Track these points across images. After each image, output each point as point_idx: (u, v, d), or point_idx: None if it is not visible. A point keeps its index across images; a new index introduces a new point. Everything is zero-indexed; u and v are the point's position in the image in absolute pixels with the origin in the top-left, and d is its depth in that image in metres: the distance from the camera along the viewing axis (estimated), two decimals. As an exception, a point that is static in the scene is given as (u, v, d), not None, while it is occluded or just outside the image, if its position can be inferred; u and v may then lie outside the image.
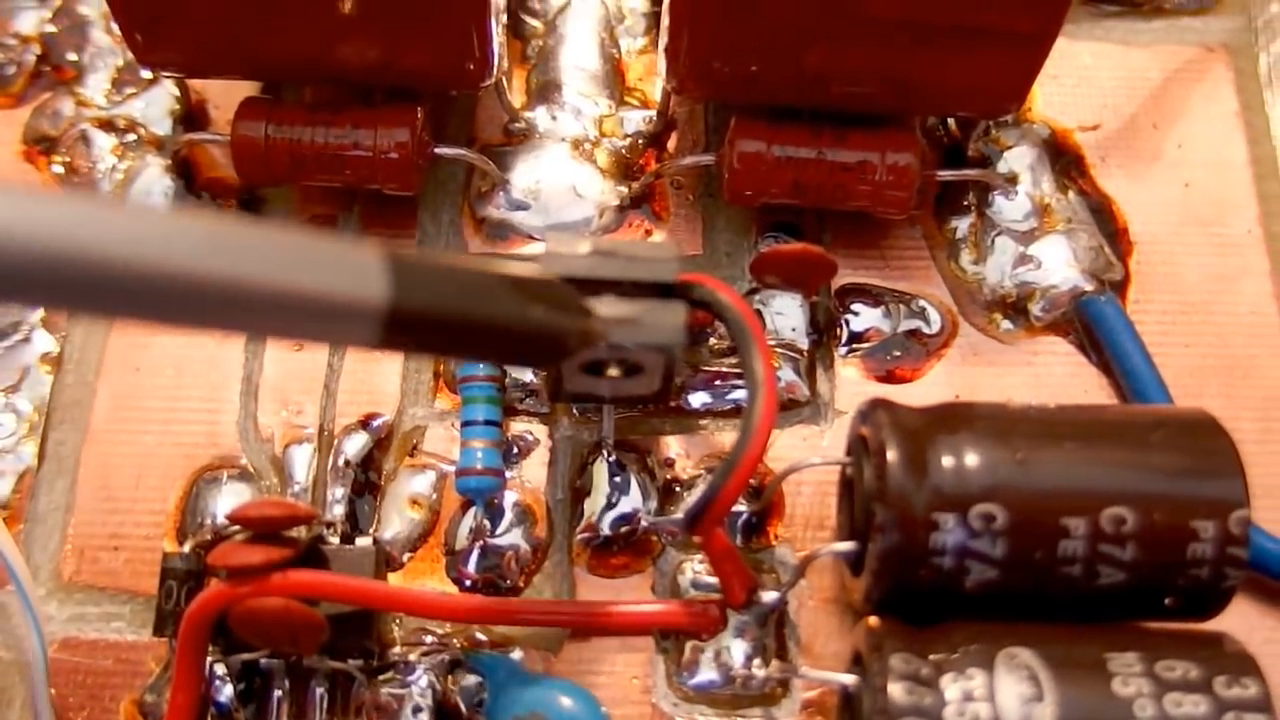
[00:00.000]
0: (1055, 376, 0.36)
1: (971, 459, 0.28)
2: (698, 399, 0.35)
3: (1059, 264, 0.36)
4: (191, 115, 0.39)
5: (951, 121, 0.38)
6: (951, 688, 0.26)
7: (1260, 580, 0.33)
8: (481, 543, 0.33)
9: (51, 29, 0.40)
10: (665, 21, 0.33)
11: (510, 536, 0.33)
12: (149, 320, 0.20)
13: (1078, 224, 0.37)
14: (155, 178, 0.38)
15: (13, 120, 0.39)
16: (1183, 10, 0.41)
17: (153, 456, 0.34)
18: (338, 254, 0.22)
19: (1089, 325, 0.36)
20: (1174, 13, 0.41)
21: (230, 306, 0.20)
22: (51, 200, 0.18)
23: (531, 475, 0.34)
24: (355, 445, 0.34)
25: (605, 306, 0.28)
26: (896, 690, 0.26)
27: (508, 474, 0.34)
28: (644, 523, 0.33)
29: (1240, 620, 0.30)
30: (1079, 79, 0.40)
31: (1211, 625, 0.28)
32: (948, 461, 0.28)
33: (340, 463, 0.34)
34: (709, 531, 0.30)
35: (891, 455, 0.28)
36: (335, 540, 0.32)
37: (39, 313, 0.36)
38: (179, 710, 0.29)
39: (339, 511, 0.33)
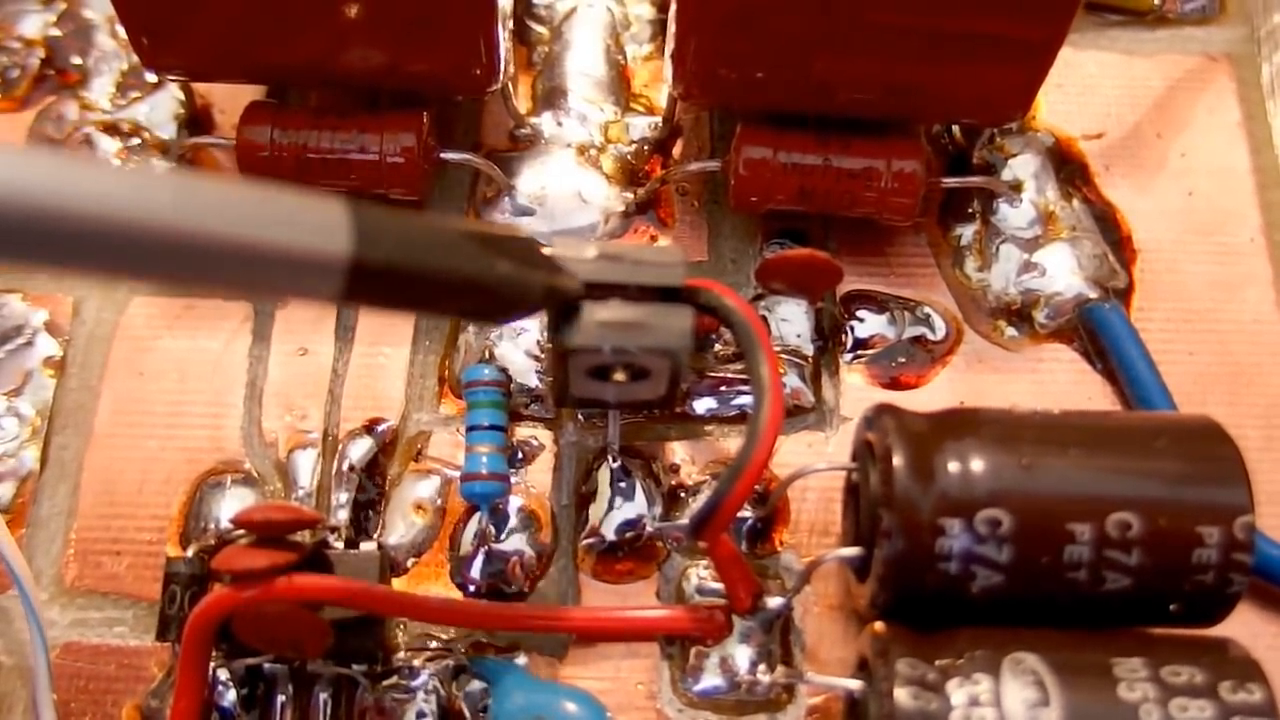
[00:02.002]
0: (1060, 383, 0.36)
1: (977, 464, 0.28)
2: (703, 404, 0.35)
3: (1063, 271, 0.36)
4: (196, 119, 0.39)
5: (956, 129, 0.39)
6: (957, 693, 0.26)
7: (1265, 587, 0.33)
8: (486, 548, 0.33)
9: (56, 33, 0.40)
10: (672, 28, 0.33)
11: (515, 542, 0.33)
12: (118, 272, 0.20)
13: (1082, 232, 0.37)
14: (160, 182, 0.38)
15: (17, 124, 0.39)
16: (1186, 20, 0.41)
17: (156, 461, 0.34)
18: (301, 207, 0.22)
19: (1093, 332, 0.36)
20: (1177, 23, 0.41)
21: (196, 258, 0.20)
22: (25, 155, 0.18)
23: (536, 480, 0.34)
24: (360, 450, 0.34)
25: (611, 311, 0.29)
26: (903, 695, 0.26)
27: (513, 479, 0.34)
28: (649, 528, 0.34)
29: (1244, 627, 0.30)
30: (1083, 88, 0.40)
31: (1217, 631, 0.28)
32: (954, 467, 0.28)
33: (345, 468, 0.34)
34: (714, 537, 0.30)
35: (898, 460, 0.28)
36: (340, 545, 0.33)
37: (43, 316, 0.36)
38: (182, 716, 0.29)
39: (343, 516, 0.34)
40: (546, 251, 0.28)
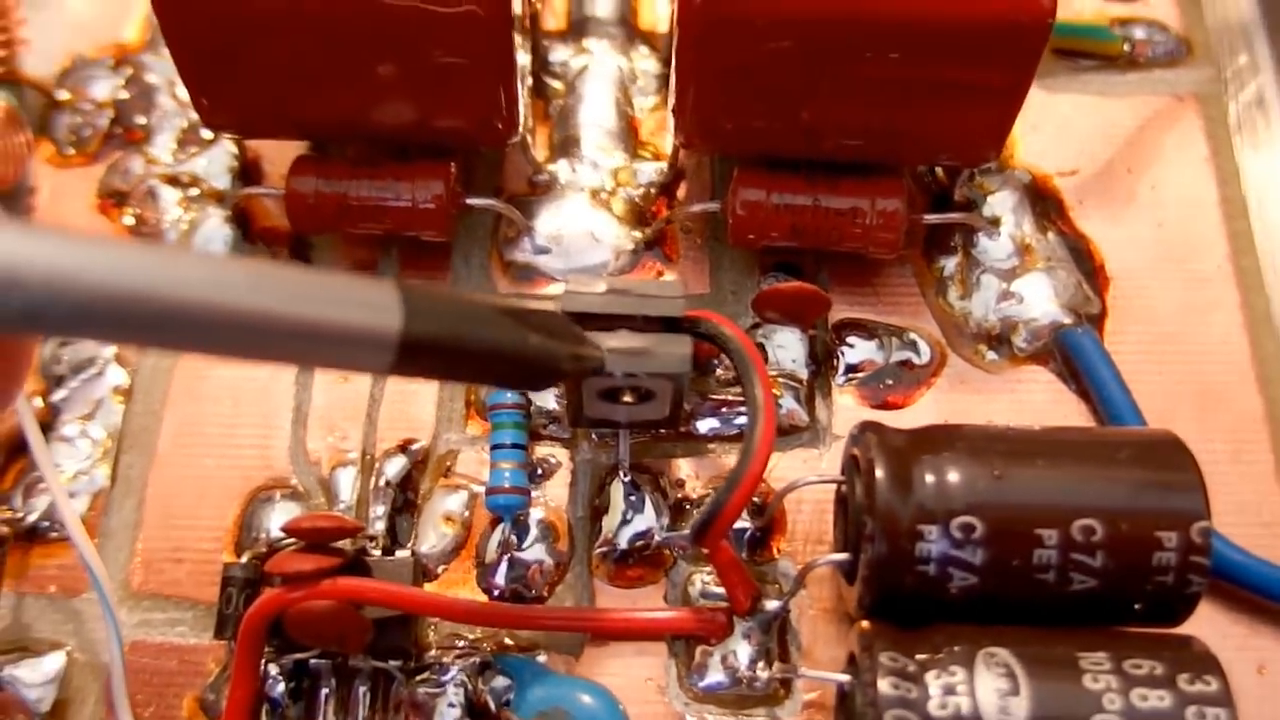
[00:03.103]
0: (1037, 403, 0.37)
1: (952, 476, 0.29)
2: (706, 424, 0.36)
3: (1040, 299, 0.37)
4: (247, 171, 0.40)
5: (939, 169, 0.39)
6: (935, 684, 0.27)
7: (1231, 590, 0.34)
8: (509, 556, 0.34)
9: (124, 95, 0.42)
10: (673, 83, 0.34)
11: (535, 550, 0.34)
12: (194, 349, 0.21)
13: (1057, 262, 0.38)
14: (216, 227, 0.39)
15: (89, 177, 0.40)
16: (1155, 63, 0.42)
17: (212, 478, 0.35)
18: (357, 287, 0.23)
19: (1068, 355, 0.37)
20: (1147, 66, 0.42)
21: (265, 337, 0.21)
22: (111, 246, 0.19)
23: (554, 494, 0.35)
24: (395, 467, 0.35)
25: (620, 339, 0.30)
26: (884, 685, 0.27)
27: (533, 493, 0.35)
28: (657, 538, 0.34)
29: (1212, 628, 0.32)
30: (1058, 128, 0.41)
31: (1185, 632, 0.29)
32: (930, 478, 0.29)
33: (381, 483, 0.35)
34: (714, 543, 0.31)
35: (879, 473, 0.29)
36: (377, 553, 0.34)
37: (112, 349, 0.37)
38: (236, 705, 0.31)
39: (380, 527, 0.34)
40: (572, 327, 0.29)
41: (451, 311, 0.25)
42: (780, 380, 0.37)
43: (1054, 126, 0.41)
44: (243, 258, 0.19)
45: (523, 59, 0.37)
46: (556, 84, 0.42)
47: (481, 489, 0.35)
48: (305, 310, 0.21)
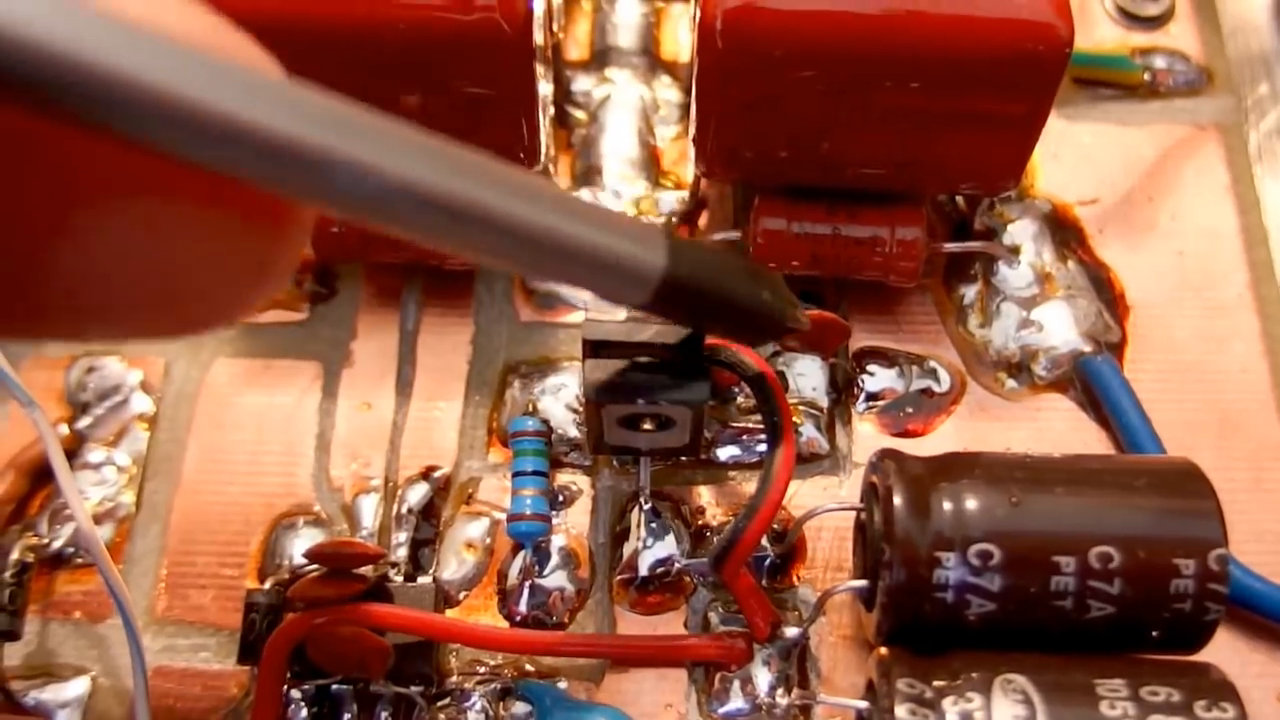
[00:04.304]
0: (1057, 431, 0.37)
1: (970, 503, 0.29)
2: (726, 452, 0.36)
3: (1060, 327, 0.37)
4: None
5: (959, 198, 0.39)
6: (952, 710, 0.27)
7: (1250, 618, 0.34)
8: (530, 582, 0.34)
9: None
10: (694, 113, 0.34)
11: (556, 577, 0.34)
12: (486, 255, 0.21)
13: (1077, 290, 0.38)
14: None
15: None
16: (1176, 93, 0.42)
17: (236, 505, 0.36)
18: (633, 225, 0.24)
19: (1088, 383, 0.37)
20: (1168, 95, 0.42)
21: (549, 255, 0.22)
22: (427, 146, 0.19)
23: (576, 522, 0.35)
24: (417, 495, 0.36)
25: (641, 369, 0.31)
26: (902, 711, 0.27)
27: (554, 520, 0.35)
28: (678, 565, 0.34)
29: (1231, 655, 0.32)
30: (1079, 157, 0.41)
31: (1203, 659, 0.29)
32: (948, 505, 0.29)
33: (404, 510, 0.35)
34: (734, 571, 0.32)
35: (897, 500, 0.29)
36: (399, 579, 0.34)
37: (138, 376, 0.37)
38: None
39: (402, 554, 0.35)
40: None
41: (706, 261, 0.26)
42: (800, 408, 0.37)
43: (1074, 155, 0.41)
44: (521, 172, 0.20)
45: (545, 89, 0.36)
46: (579, 114, 0.42)
47: (503, 516, 0.35)
48: (592, 234, 0.22)
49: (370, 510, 0.36)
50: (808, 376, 0.37)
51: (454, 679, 0.33)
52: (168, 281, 0.18)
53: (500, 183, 0.20)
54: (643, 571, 0.34)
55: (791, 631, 0.33)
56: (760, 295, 0.28)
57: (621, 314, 0.31)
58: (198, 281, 0.18)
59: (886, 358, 0.38)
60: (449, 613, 0.34)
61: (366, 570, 0.32)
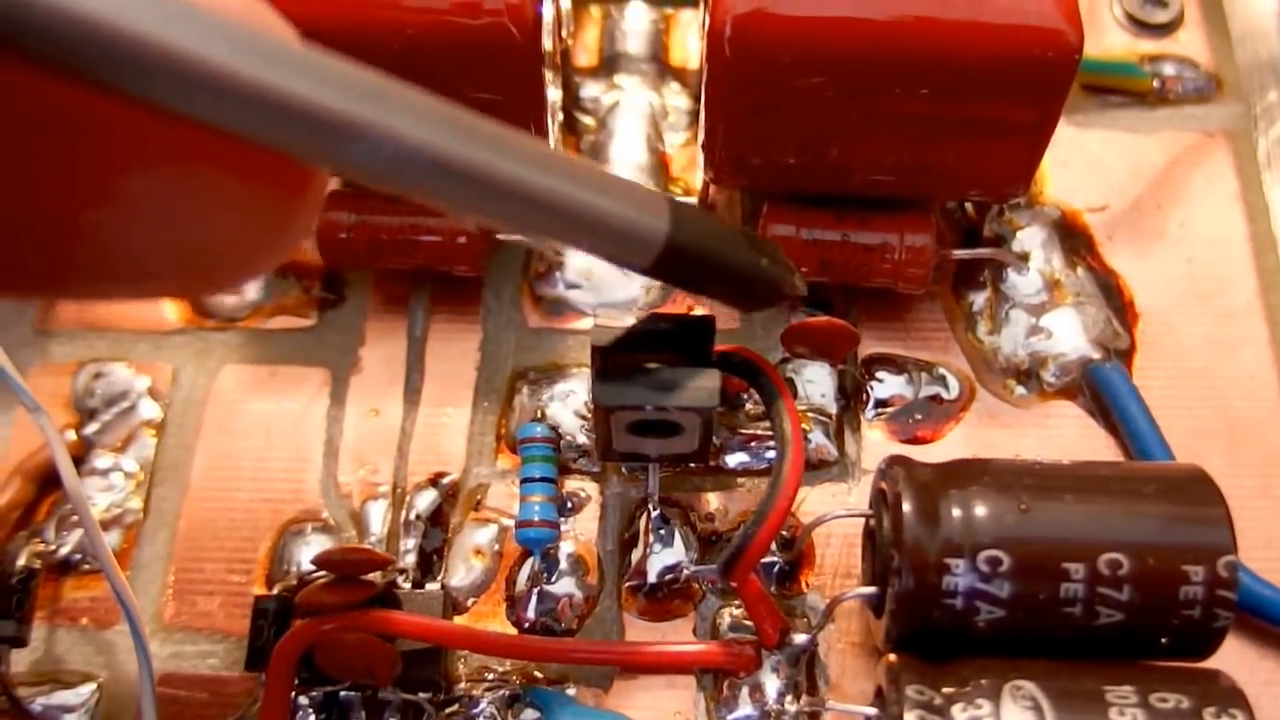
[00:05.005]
0: (1065, 438, 0.37)
1: (979, 510, 0.29)
2: (735, 459, 0.36)
3: (1069, 334, 0.38)
4: None
5: (969, 205, 0.40)
6: (961, 716, 0.27)
7: (1260, 625, 0.34)
8: (539, 589, 0.34)
9: None
10: (703, 119, 0.34)
11: (565, 584, 0.34)
12: (502, 215, 0.21)
13: (1086, 298, 0.38)
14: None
15: None
16: (1185, 100, 0.42)
17: (244, 511, 0.36)
18: (637, 191, 0.25)
19: (1097, 391, 0.37)
20: (1177, 102, 0.42)
21: (558, 218, 0.22)
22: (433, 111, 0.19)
23: (584, 528, 0.35)
24: (425, 501, 0.36)
25: (649, 375, 0.31)
26: (911, 718, 0.27)
27: (563, 527, 0.35)
28: (686, 571, 0.34)
29: (1240, 662, 0.32)
30: (1088, 164, 0.41)
31: (1212, 666, 0.29)
32: (957, 512, 0.29)
33: (412, 517, 0.35)
34: (743, 578, 0.32)
35: (907, 507, 0.29)
36: (407, 586, 0.34)
37: (146, 382, 0.37)
38: None
39: (411, 560, 0.35)
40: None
41: (707, 228, 0.27)
42: (809, 415, 0.37)
43: (1083, 162, 0.41)
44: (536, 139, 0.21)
45: (554, 95, 0.37)
46: (588, 120, 0.42)
47: (511, 522, 0.35)
48: (595, 200, 0.23)
49: (378, 517, 0.36)
50: (816, 383, 0.37)
51: (462, 685, 0.33)
52: (196, 243, 0.19)
53: (512, 148, 0.20)
54: (651, 578, 0.34)
55: (800, 638, 0.33)
56: (759, 261, 0.29)
57: (630, 319, 0.31)
58: (223, 243, 0.19)
59: (895, 364, 0.38)
60: (457, 619, 0.34)
61: (375, 577, 0.33)
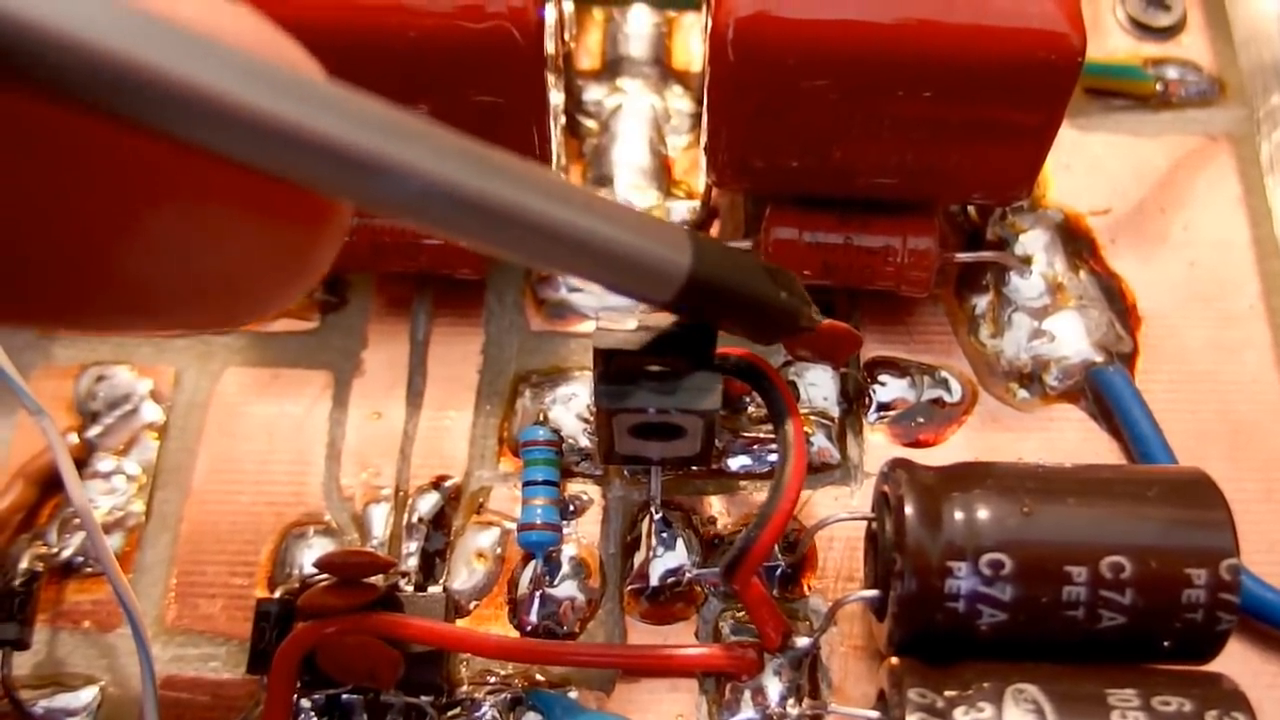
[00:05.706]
0: (1068, 441, 0.37)
1: (982, 513, 0.29)
2: (737, 462, 0.36)
3: (1071, 338, 0.37)
4: None
5: (971, 208, 0.40)
6: None
7: (1262, 629, 0.34)
8: (541, 592, 0.34)
9: None
10: (705, 122, 0.34)
11: (567, 587, 0.34)
12: (525, 251, 0.21)
13: (1089, 301, 0.38)
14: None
15: None
16: (1188, 103, 0.42)
17: (246, 514, 0.35)
18: (658, 226, 0.25)
19: (1099, 394, 0.37)
20: (1180, 106, 0.42)
21: (583, 255, 0.22)
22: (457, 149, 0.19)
23: (586, 531, 0.35)
24: (428, 504, 0.36)
25: (652, 378, 0.31)
26: None
27: (565, 530, 0.35)
28: (688, 574, 0.34)
29: (1243, 666, 0.32)
30: (1090, 168, 0.41)
31: (1214, 670, 0.29)
32: (960, 515, 0.29)
33: (414, 520, 0.35)
34: (745, 581, 0.32)
35: (909, 510, 0.29)
36: (410, 589, 0.34)
37: (148, 385, 0.37)
38: None
39: (413, 563, 0.35)
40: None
41: (728, 261, 0.27)
42: (812, 418, 0.37)
43: (1086, 166, 0.41)
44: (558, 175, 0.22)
45: (556, 98, 0.37)
46: (590, 123, 0.42)
47: (514, 525, 0.35)
48: (618, 236, 0.23)
49: (381, 520, 0.36)
50: (819, 386, 0.37)
51: (464, 689, 0.33)
52: (217, 276, 0.19)
53: (535, 185, 0.20)
54: (654, 581, 0.34)
55: (802, 641, 0.33)
56: (778, 294, 0.29)
57: (632, 323, 0.31)
58: (245, 277, 0.19)
59: (898, 368, 0.38)
60: (460, 622, 0.34)
61: (377, 580, 0.33)
